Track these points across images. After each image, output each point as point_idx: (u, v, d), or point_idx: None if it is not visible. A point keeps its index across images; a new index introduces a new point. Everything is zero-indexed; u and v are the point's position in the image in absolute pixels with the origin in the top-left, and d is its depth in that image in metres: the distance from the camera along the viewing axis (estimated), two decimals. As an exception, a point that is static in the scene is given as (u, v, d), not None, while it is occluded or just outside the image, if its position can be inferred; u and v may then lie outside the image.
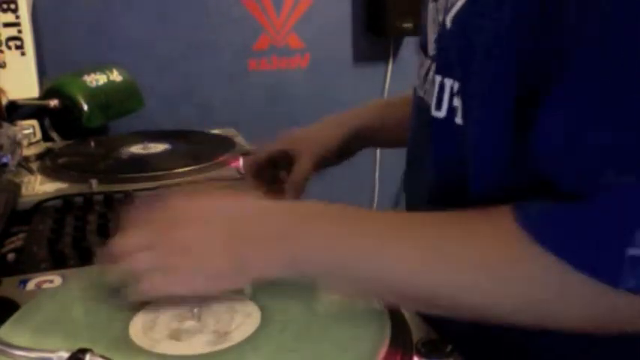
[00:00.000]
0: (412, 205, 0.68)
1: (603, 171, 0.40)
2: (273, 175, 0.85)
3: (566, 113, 0.43)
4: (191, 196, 0.56)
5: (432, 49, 0.60)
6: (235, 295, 0.52)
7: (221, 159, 1.04)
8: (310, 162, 0.81)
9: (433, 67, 0.58)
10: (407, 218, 0.52)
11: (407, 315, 0.52)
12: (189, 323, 0.49)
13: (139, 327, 0.49)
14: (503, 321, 0.45)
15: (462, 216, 0.47)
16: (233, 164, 1.01)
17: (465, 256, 0.46)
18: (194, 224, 0.51)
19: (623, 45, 0.40)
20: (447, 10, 0.54)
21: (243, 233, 0.50)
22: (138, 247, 0.51)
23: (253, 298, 0.52)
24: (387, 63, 1.95)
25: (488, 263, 0.45)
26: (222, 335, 0.47)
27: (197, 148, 1.14)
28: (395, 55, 1.94)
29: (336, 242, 0.49)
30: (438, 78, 0.55)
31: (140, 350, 0.47)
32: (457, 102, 0.52)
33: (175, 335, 0.48)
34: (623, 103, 0.40)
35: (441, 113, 0.55)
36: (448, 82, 0.54)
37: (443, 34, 0.55)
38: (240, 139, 1.20)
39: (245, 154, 0.98)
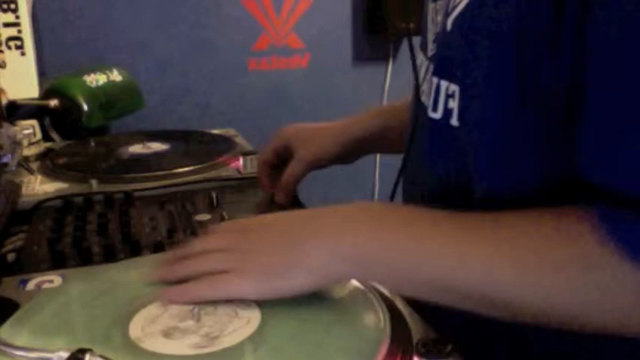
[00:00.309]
0: (409, 202, 0.68)
1: None
2: (280, 167, 0.85)
3: (608, 123, 0.42)
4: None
5: (430, 49, 0.60)
6: None
7: (221, 159, 1.04)
8: (302, 165, 0.81)
9: (431, 68, 0.58)
10: (475, 219, 0.49)
11: (407, 315, 0.52)
12: (188, 323, 0.49)
13: (142, 318, 0.50)
14: (583, 328, 0.45)
15: (537, 218, 0.46)
16: (233, 164, 1.01)
17: (547, 263, 0.44)
18: (261, 231, 0.54)
19: None
20: (447, 13, 0.54)
21: (304, 233, 0.52)
22: (214, 248, 0.54)
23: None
24: (387, 63, 1.95)
25: (570, 271, 0.44)
26: (211, 339, 0.47)
27: (197, 148, 1.14)
28: (395, 55, 1.95)
29: (404, 244, 0.48)
30: (435, 80, 0.55)
31: (128, 341, 0.47)
32: (453, 104, 0.52)
33: (168, 333, 0.48)
34: None
35: (437, 115, 0.55)
36: (444, 84, 0.54)
37: (443, 36, 0.55)
38: (240, 139, 1.20)
39: (245, 154, 0.98)
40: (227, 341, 0.47)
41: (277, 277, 0.50)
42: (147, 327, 0.49)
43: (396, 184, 0.69)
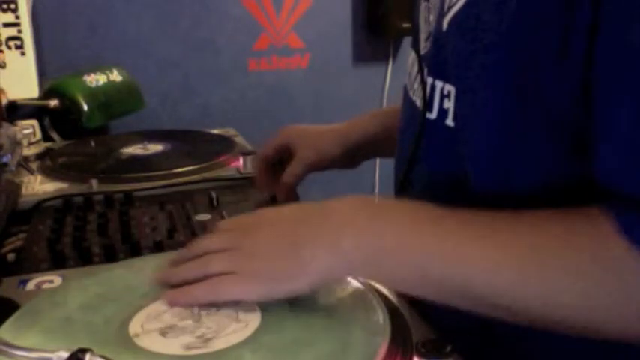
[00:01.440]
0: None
1: None
2: (281, 170, 0.85)
3: (625, 130, 0.41)
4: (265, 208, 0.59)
5: (422, 48, 0.60)
6: None
7: (221, 159, 1.04)
8: (303, 166, 0.81)
9: (424, 69, 0.58)
10: (481, 217, 0.48)
11: (407, 315, 0.52)
12: (187, 322, 0.49)
13: (144, 314, 0.50)
14: (599, 335, 0.44)
15: (554, 221, 0.45)
16: (233, 164, 1.01)
17: (563, 267, 0.44)
18: (264, 230, 0.54)
19: None
20: (443, 13, 0.53)
21: (307, 234, 0.51)
22: (216, 249, 0.53)
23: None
24: (387, 63, 1.95)
25: (589, 273, 0.43)
26: (205, 341, 0.47)
27: (197, 148, 1.14)
28: (395, 55, 1.94)
29: (413, 244, 0.47)
30: (430, 80, 0.55)
31: (126, 337, 0.47)
32: (448, 104, 0.52)
33: (165, 331, 0.48)
34: None
35: (432, 115, 0.54)
36: (439, 84, 0.53)
37: (438, 36, 0.55)
38: (240, 139, 1.20)
39: (245, 154, 0.98)
40: (220, 343, 0.47)
41: (279, 279, 0.50)
42: (147, 323, 0.49)
43: (399, 182, 0.68)
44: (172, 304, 0.52)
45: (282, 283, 0.50)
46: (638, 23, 0.40)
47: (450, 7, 0.52)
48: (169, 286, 0.53)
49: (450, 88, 0.52)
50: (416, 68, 0.61)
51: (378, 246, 0.48)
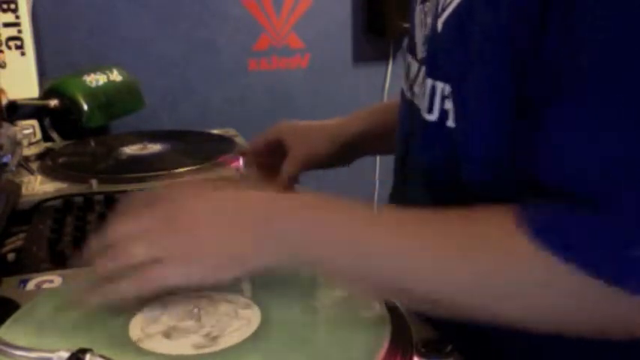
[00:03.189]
0: (402, 203, 0.67)
1: (614, 179, 0.41)
2: (272, 163, 0.85)
3: (576, 126, 0.42)
4: (188, 188, 0.55)
5: (420, 51, 0.60)
6: (234, 293, 0.52)
7: (221, 159, 1.04)
8: (298, 163, 0.81)
9: (422, 70, 0.58)
10: (410, 216, 0.50)
11: (407, 315, 0.52)
12: (188, 323, 0.49)
13: (142, 318, 0.50)
14: (510, 324, 0.45)
15: (465, 216, 0.47)
16: (233, 164, 1.01)
17: (469, 261, 0.45)
18: (193, 215, 0.50)
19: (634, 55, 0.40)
20: (437, 14, 0.53)
21: (243, 224, 0.50)
22: (135, 235, 0.49)
23: (253, 297, 0.52)
24: (387, 63, 1.95)
25: (494, 268, 0.45)
26: (212, 339, 0.47)
27: (197, 148, 1.14)
28: (395, 55, 1.94)
29: (344, 245, 0.48)
30: (429, 81, 0.55)
31: (129, 342, 0.47)
32: (448, 105, 0.52)
33: (168, 333, 0.48)
34: (635, 113, 0.40)
35: (433, 116, 0.54)
36: (439, 85, 0.53)
37: (433, 37, 0.55)
38: (240, 139, 1.20)
39: (245, 153, 0.98)
40: (229, 341, 0.47)
41: (212, 267, 0.49)
42: (146, 327, 0.49)
43: (398, 183, 0.69)
44: (97, 302, 0.49)
45: (216, 273, 0.48)
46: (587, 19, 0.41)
47: (443, 9, 0.52)
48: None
49: (449, 88, 0.52)
50: (413, 71, 0.61)
51: (306, 238, 0.49)
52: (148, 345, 0.47)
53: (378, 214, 0.52)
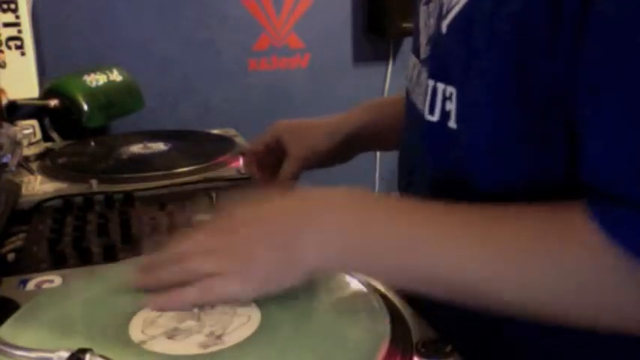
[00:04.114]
0: None
1: None
2: (272, 163, 0.85)
3: (615, 130, 0.42)
4: (249, 202, 0.57)
5: (423, 52, 0.60)
6: None
7: (221, 159, 1.04)
8: (297, 162, 0.81)
9: (424, 71, 0.58)
10: (467, 211, 0.49)
11: (407, 315, 0.52)
12: (189, 323, 0.49)
13: (139, 321, 0.50)
14: (567, 323, 0.45)
15: (530, 212, 0.46)
16: (233, 164, 1.01)
17: (536, 258, 0.45)
18: (249, 229, 0.53)
19: None
20: (442, 16, 0.53)
21: (293, 229, 0.51)
22: (200, 250, 0.52)
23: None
24: (387, 63, 1.95)
25: (562, 266, 0.44)
26: (216, 338, 0.47)
27: (197, 148, 1.14)
28: (395, 55, 1.95)
29: (391, 234, 0.49)
30: (431, 82, 0.55)
31: (131, 344, 0.47)
32: (450, 106, 0.52)
33: (171, 334, 0.48)
34: None
35: (434, 117, 0.54)
36: (441, 86, 0.53)
37: (437, 39, 0.55)
38: (240, 139, 1.20)
39: (245, 154, 0.98)
40: (231, 339, 0.47)
41: (270, 277, 0.50)
42: (147, 330, 0.49)
43: (402, 185, 0.69)
44: (161, 309, 0.51)
45: (274, 280, 0.50)
46: (627, 24, 0.40)
47: (448, 11, 0.52)
48: (147, 292, 0.52)
49: (451, 90, 0.52)
50: (416, 71, 0.61)
51: (358, 238, 0.49)
52: (153, 347, 0.46)
53: (431, 207, 0.51)
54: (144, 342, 0.47)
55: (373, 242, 0.49)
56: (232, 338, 0.47)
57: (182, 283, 0.51)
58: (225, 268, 0.51)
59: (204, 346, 0.46)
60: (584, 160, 0.44)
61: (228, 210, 0.57)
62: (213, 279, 0.50)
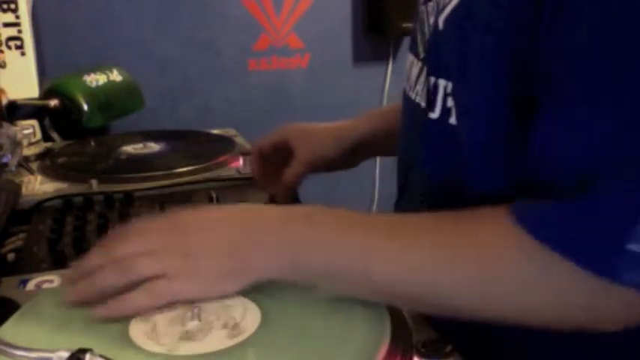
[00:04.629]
0: (405, 207, 0.68)
1: (603, 170, 0.41)
2: (277, 164, 0.85)
3: (566, 116, 0.43)
4: (193, 207, 0.56)
5: (422, 51, 0.60)
6: None
7: (221, 159, 1.04)
8: (303, 166, 0.82)
9: (425, 69, 0.58)
10: (401, 220, 0.51)
11: (407, 315, 0.52)
12: (193, 324, 0.49)
13: (142, 336, 0.48)
14: (501, 322, 0.45)
15: (456, 217, 0.47)
16: (233, 164, 1.01)
17: (462, 258, 0.46)
18: (197, 231, 0.51)
19: (621, 49, 0.40)
20: (439, 12, 0.54)
21: (245, 238, 0.50)
22: (140, 252, 0.50)
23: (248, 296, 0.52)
24: (387, 63, 1.95)
25: (486, 264, 0.45)
26: (235, 327, 0.48)
27: (197, 148, 1.14)
28: (395, 55, 1.94)
29: (335, 247, 0.49)
30: (432, 79, 0.55)
31: (129, 342, 0.47)
32: (451, 102, 0.53)
33: (187, 337, 0.47)
34: (621, 102, 0.40)
35: (435, 114, 0.55)
36: (442, 82, 0.54)
37: (435, 35, 0.55)
38: (240, 139, 1.20)
39: (245, 154, 0.98)
40: (250, 324, 0.48)
41: (218, 280, 0.50)
42: (159, 338, 0.47)
43: (401, 184, 0.69)
44: (110, 316, 0.48)
45: (220, 283, 0.50)
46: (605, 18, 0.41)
47: (444, 6, 0.53)
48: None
49: (452, 85, 0.52)
50: (416, 70, 0.61)
51: (305, 252, 0.49)
52: (182, 352, 0.46)
53: (373, 218, 0.53)
54: (170, 350, 0.46)
55: (320, 245, 0.49)
56: (250, 323, 0.48)
57: (124, 289, 0.49)
58: (167, 270, 0.49)
59: (232, 336, 0.47)
60: (536, 147, 0.45)
61: (170, 213, 0.55)
62: (157, 282, 0.49)
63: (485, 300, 0.46)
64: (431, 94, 0.55)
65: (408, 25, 1.80)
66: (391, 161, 0.70)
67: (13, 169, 0.96)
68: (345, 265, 0.49)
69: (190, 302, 0.50)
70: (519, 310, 0.45)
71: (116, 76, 1.43)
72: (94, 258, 0.51)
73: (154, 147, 1.13)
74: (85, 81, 1.34)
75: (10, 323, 0.50)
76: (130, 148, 1.13)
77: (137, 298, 0.49)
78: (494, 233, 0.45)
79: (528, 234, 0.42)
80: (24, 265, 0.66)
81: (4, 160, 0.92)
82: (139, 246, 0.51)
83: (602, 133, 0.41)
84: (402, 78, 0.67)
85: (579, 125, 0.42)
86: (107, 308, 0.49)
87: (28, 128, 1.17)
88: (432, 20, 0.57)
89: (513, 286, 0.45)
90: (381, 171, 1.98)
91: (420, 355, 0.45)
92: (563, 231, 0.41)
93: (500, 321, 0.46)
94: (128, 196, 0.86)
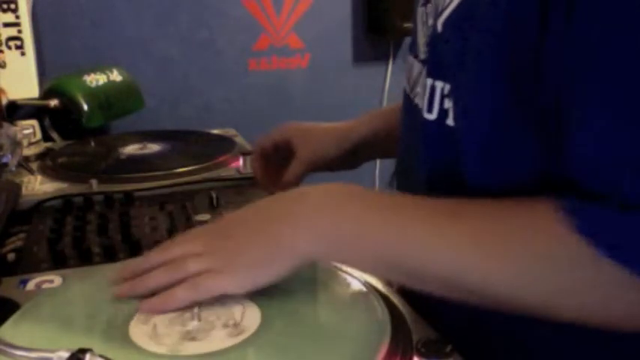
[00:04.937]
0: None
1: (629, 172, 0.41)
2: (277, 163, 0.85)
3: (600, 125, 0.42)
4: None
5: (422, 52, 0.60)
6: None
7: (221, 159, 1.04)
8: (304, 165, 0.82)
9: (424, 70, 0.58)
10: (448, 206, 0.50)
11: (407, 315, 0.52)
12: (193, 324, 0.49)
13: (143, 336, 0.48)
14: (547, 316, 0.46)
15: (503, 208, 0.47)
16: (233, 164, 1.01)
17: (512, 253, 0.46)
18: (234, 230, 0.54)
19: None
20: (437, 14, 0.54)
21: (281, 218, 0.52)
22: (189, 254, 0.53)
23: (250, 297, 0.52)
24: (387, 63, 1.95)
25: (534, 255, 0.45)
26: (236, 326, 0.48)
27: (197, 148, 1.14)
28: (395, 55, 1.95)
29: (380, 229, 0.49)
30: (429, 81, 0.55)
31: (129, 342, 0.47)
32: (448, 104, 0.53)
33: (189, 337, 0.47)
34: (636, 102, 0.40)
35: (432, 115, 0.55)
36: (439, 84, 0.54)
37: (434, 37, 0.55)
38: (240, 139, 1.20)
39: (245, 154, 0.98)
40: (250, 323, 0.47)
41: (259, 266, 0.51)
42: (162, 338, 0.48)
43: (401, 184, 0.69)
44: (152, 312, 0.50)
45: (263, 269, 0.51)
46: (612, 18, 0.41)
47: (443, 9, 0.53)
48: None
49: (449, 87, 0.52)
50: (415, 71, 0.61)
51: (349, 227, 0.50)
52: (185, 352, 0.46)
53: (412, 200, 0.53)
54: (173, 350, 0.46)
55: (365, 236, 0.50)
56: (250, 322, 0.48)
57: (169, 286, 0.51)
58: (212, 266, 0.51)
59: (233, 335, 0.47)
60: (569, 152, 0.44)
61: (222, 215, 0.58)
62: (201, 275, 0.51)
63: (538, 294, 0.46)
64: (429, 95, 0.55)
65: (409, 25, 1.80)
66: (391, 162, 0.70)
67: (13, 169, 0.96)
68: (385, 252, 0.49)
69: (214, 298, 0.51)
70: (567, 306, 0.45)
71: (116, 76, 1.43)
72: (149, 260, 0.55)
73: (153, 147, 1.13)
74: (85, 81, 1.34)
75: (10, 323, 0.50)
76: (129, 148, 1.13)
77: (182, 293, 0.51)
78: (551, 242, 0.44)
79: (596, 247, 0.42)
80: (24, 265, 0.66)
81: (4, 160, 0.92)
82: (188, 249, 0.54)
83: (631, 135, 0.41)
84: (402, 78, 0.67)
85: (615, 133, 0.42)
86: (152, 303, 0.51)
87: (28, 128, 1.17)
88: (430, 22, 0.57)
89: (567, 284, 0.44)
90: (380, 171, 1.98)
91: (420, 355, 0.45)
92: (627, 244, 0.41)
93: (550, 316, 0.45)
94: (128, 196, 0.86)
